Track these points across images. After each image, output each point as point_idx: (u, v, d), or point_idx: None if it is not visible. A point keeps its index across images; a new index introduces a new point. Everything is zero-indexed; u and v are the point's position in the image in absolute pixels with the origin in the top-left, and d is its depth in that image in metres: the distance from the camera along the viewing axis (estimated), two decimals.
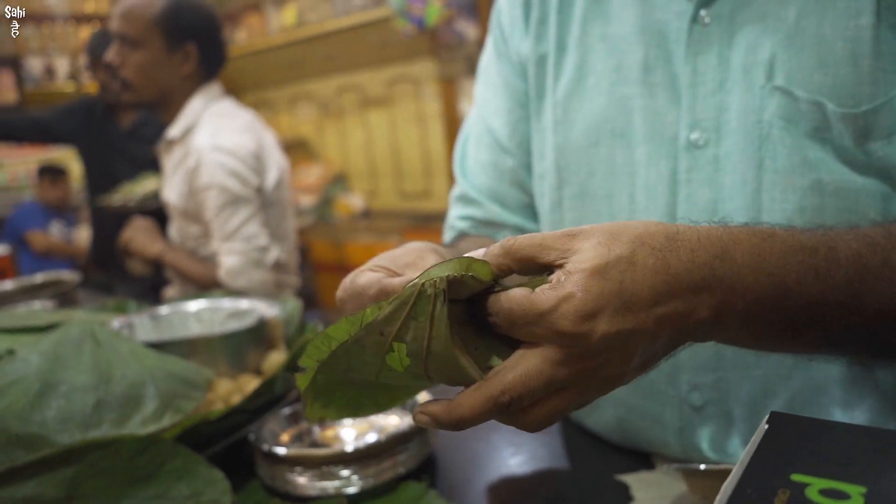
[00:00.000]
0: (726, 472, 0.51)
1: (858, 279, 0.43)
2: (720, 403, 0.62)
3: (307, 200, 4.72)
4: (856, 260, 0.44)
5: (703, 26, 0.59)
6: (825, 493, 0.25)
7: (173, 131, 1.60)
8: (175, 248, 1.66)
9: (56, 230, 3.61)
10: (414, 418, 0.43)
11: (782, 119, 0.56)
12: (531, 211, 0.76)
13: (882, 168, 0.53)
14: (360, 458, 0.65)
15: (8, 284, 1.30)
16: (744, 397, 0.61)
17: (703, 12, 0.59)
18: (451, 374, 0.42)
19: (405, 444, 0.67)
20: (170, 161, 1.64)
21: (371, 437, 0.69)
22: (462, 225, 0.78)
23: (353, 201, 4.68)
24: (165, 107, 1.61)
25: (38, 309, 1.05)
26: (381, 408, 0.54)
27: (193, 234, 1.63)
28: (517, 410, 0.39)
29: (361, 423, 0.74)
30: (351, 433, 0.73)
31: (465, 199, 0.79)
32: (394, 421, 0.73)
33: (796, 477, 0.26)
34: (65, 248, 3.55)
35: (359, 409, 0.52)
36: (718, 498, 0.27)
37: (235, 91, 5.40)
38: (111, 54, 1.54)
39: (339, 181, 4.86)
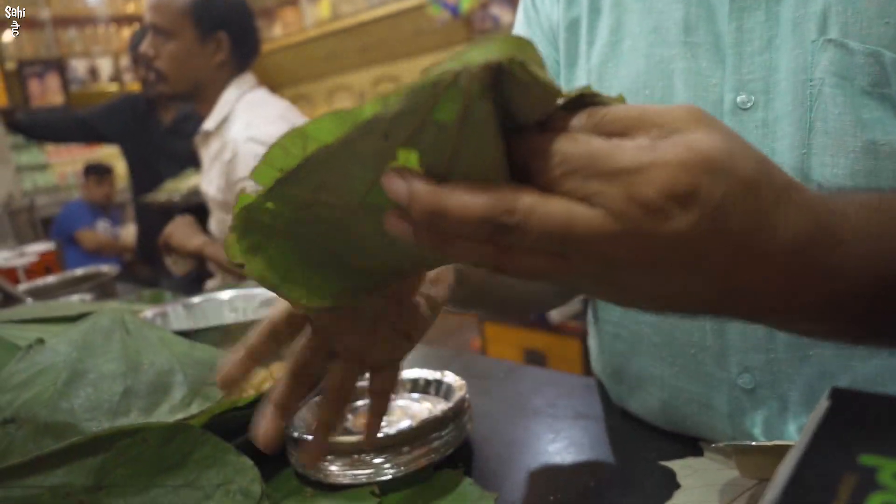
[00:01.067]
0: (780, 450, 0.47)
1: None
2: (773, 386, 0.58)
3: None
4: None
5: None
6: None
7: (208, 123, 1.60)
8: (215, 242, 1.67)
9: (102, 228, 3.70)
10: (383, 180, 0.31)
11: (835, 76, 0.51)
12: None
13: None
14: (393, 445, 0.63)
15: (50, 279, 1.32)
16: (799, 380, 0.56)
17: None
18: None
19: (440, 430, 0.64)
20: (207, 153, 1.65)
21: (404, 424, 0.67)
22: None
23: None
24: (200, 98, 1.62)
25: (76, 301, 1.06)
26: (332, 293, 0.40)
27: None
28: (508, 245, 0.31)
29: (395, 409, 0.73)
30: (385, 420, 0.71)
31: None
32: (427, 406, 0.71)
33: (865, 459, 0.23)
34: (113, 244, 3.64)
35: (301, 277, 0.38)
36: (773, 485, 0.24)
37: (273, 86, 5.43)
38: (145, 45, 1.56)
39: None
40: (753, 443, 0.48)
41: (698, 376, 0.61)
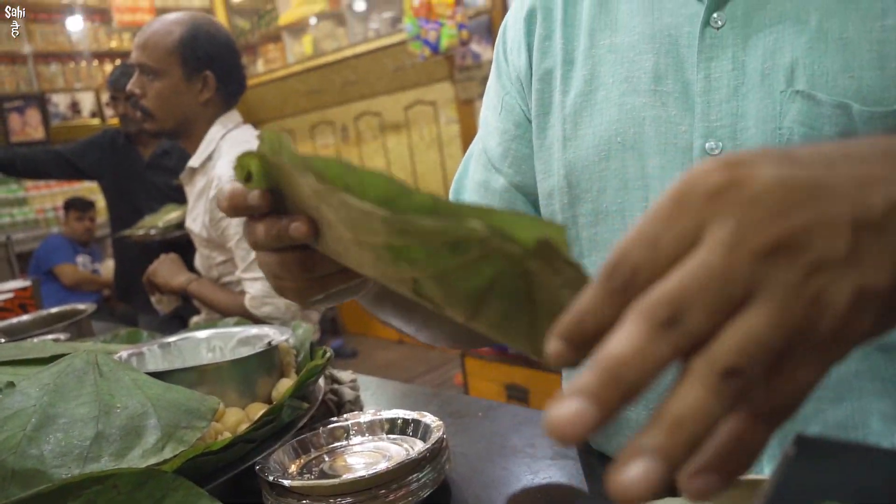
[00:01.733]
0: (754, 484, 0.48)
1: None
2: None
3: None
4: None
5: (715, 29, 0.57)
6: None
7: (194, 160, 1.61)
8: (200, 279, 1.66)
9: (82, 263, 3.66)
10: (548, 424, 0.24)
11: (804, 125, 0.53)
12: None
13: None
14: (370, 487, 0.62)
15: (24, 317, 1.30)
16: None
17: (715, 15, 0.57)
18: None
19: (417, 472, 0.64)
20: (192, 190, 1.65)
21: (381, 466, 0.66)
22: None
23: None
24: (186, 135, 1.62)
25: (51, 340, 1.04)
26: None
27: (217, 262, 1.63)
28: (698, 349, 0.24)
29: (373, 451, 0.72)
30: (362, 462, 0.70)
31: None
32: (405, 447, 0.71)
33: None
34: (93, 279, 3.60)
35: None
36: None
37: (256, 121, 5.47)
38: (132, 84, 1.56)
39: None
40: None
41: None
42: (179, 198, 2.45)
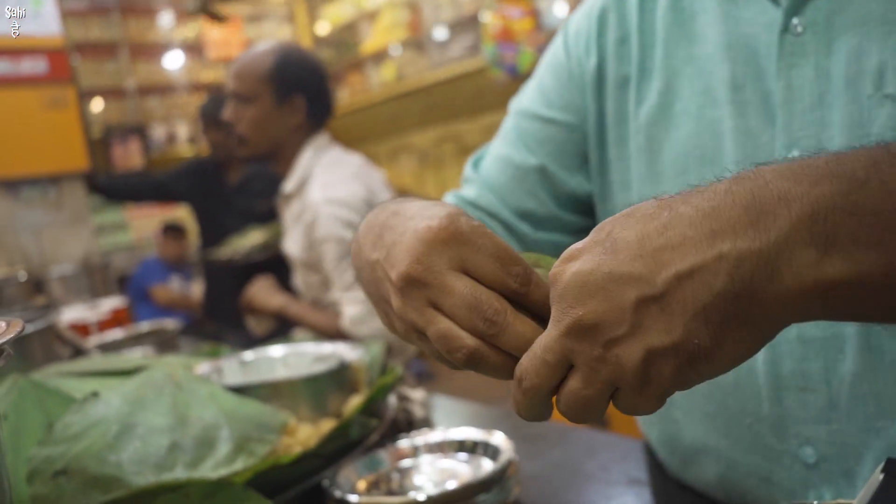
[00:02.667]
0: None
1: None
2: (839, 461, 0.53)
3: None
4: None
5: (795, 36, 0.53)
6: None
7: (288, 186, 1.65)
8: (297, 301, 1.70)
9: (175, 284, 3.84)
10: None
11: (894, 131, 0.49)
12: (530, 219, 0.69)
13: None
14: None
15: (118, 333, 1.37)
16: (868, 455, 0.52)
17: (794, 21, 0.53)
18: None
19: (484, 492, 0.62)
20: (289, 214, 1.70)
21: (449, 484, 0.65)
22: (450, 200, 0.72)
23: None
24: (278, 158, 1.68)
25: (139, 355, 1.09)
26: None
27: (315, 284, 1.67)
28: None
29: (441, 470, 0.71)
30: (429, 481, 0.69)
31: (465, 180, 0.74)
32: (473, 467, 0.69)
33: None
34: (184, 300, 3.76)
35: None
36: None
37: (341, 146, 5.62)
38: (227, 112, 1.63)
39: None
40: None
41: (756, 448, 0.57)
42: (264, 220, 2.54)
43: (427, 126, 4.86)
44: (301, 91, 1.62)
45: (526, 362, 0.37)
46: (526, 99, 0.73)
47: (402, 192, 5.15)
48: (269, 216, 2.56)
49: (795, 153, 0.53)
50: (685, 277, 0.33)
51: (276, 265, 2.61)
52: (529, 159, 0.69)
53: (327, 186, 1.56)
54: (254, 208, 2.55)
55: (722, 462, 0.60)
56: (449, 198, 0.73)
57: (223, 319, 2.74)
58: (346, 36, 5.40)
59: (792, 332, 0.54)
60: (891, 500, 0.23)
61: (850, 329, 0.52)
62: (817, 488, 0.54)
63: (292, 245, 1.67)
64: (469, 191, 0.72)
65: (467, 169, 0.74)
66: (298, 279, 1.74)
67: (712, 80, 0.59)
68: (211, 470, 0.61)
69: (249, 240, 2.24)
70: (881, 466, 0.25)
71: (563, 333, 0.35)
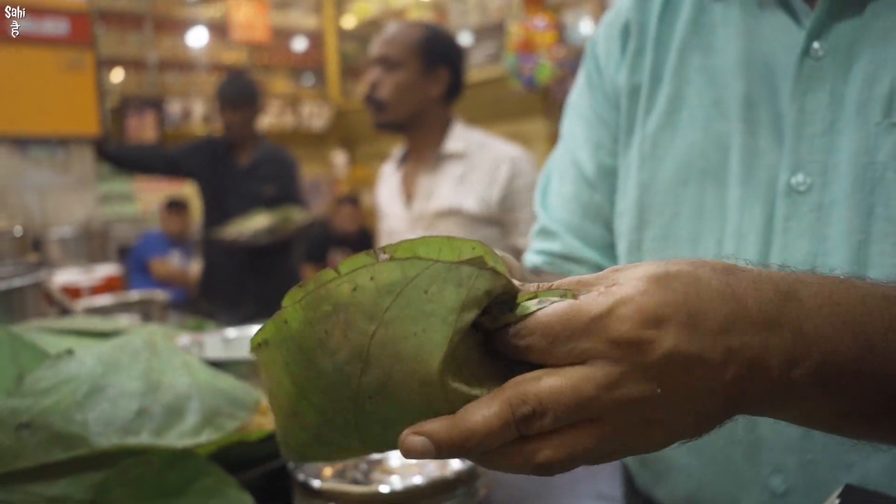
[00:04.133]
0: None
1: None
2: (808, 493, 0.53)
3: None
4: None
5: (815, 60, 0.53)
6: None
7: (455, 145, 1.71)
8: None
9: (175, 259, 3.84)
10: (401, 447, 0.32)
11: None
12: (614, 250, 0.69)
13: None
14: (401, 500, 0.60)
15: (107, 299, 1.37)
16: (837, 480, 0.51)
17: (816, 44, 0.53)
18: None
19: (450, 491, 0.62)
20: (449, 173, 1.71)
21: (416, 480, 0.64)
22: (537, 259, 0.72)
23: None
24: (412, 127, 1.72)
25: (124, 321, 1.08)
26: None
27: (489, 239, 1.69)
28: (533, 436, 0.32)
29: (410, 465, 0.70)
30: (397, 475, 0.68)
31: (544, 233, 0.73)
32: (442, 466, 0.68)
33: None
34: (181, 276, 3.76)
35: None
36: None
37: (353, 142, 5.64)
38: (370, 76, 1.67)
39: None
40: None
41: (727, 472, 0.57)
42: (270, 205, 2.54)
43: None
44: (446, 64, 1.68)
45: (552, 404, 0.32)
46: (572, 124, 0.73)
47: None
48: (276, 201, 2.56)
49: (800, 176, 0.53)
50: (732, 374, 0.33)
51: (279, 250, 2.61)
52: (595, 196, 0.69)
53: (513, 147, 1.72)
54: (261, 192, 2.55)
55: (692, 481, 0.59)
56: (535, 258, 0.72)
57: (218, 299, 2.74)
58: (371, 32, 5.40)
59: None
60: None
61: None
62: None
63: (466, 199, 1.68)
64: (553, 245, 0.71)
65: (540, 214, 0.74)
66: (454, 234, 1.74)
67: (725, 93, 0.58)
68: (176, 439, 0.60)
69: (255, 222, 2.24)
70: (838, 492, 0.24)
71: (614, 401, 0.32)
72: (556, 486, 0.71)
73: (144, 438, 0.60)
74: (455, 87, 1.73)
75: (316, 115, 5.42)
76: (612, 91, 0.68)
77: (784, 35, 0.56)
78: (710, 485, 0.58)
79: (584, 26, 3.70)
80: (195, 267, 3.78)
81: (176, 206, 3.90)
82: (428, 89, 1.68)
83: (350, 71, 5.51)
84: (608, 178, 0.68)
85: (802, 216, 0.53)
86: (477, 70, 4.40)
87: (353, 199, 3.94)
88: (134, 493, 0.55)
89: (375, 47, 1.69)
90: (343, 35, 5.61)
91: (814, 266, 0.52)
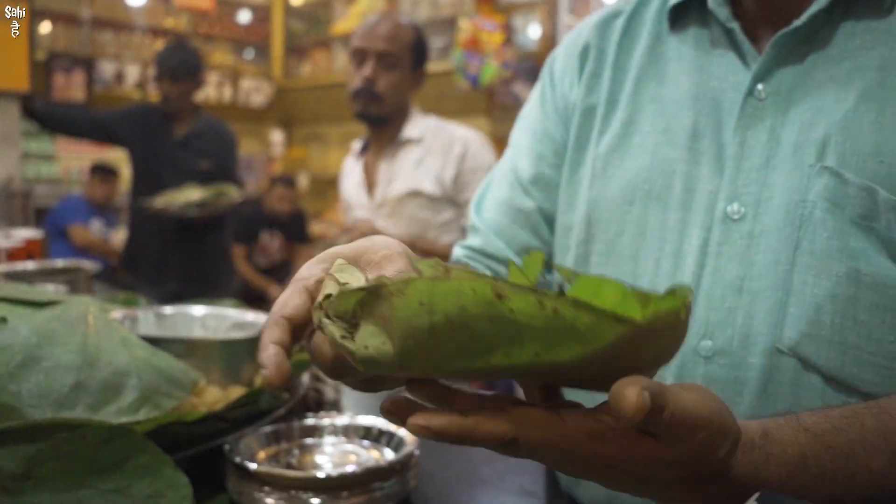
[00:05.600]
0: None
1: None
2: None
3: (343, 236, 4.76)
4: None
5: (758, 100, 0.58)
6: None
7: (413, 131, 1.78)
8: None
9: (96, 227, 3.69)
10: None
11: (828, 201, 0.53)
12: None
13: None
14: (333, 487, 0.62)
15: (29, 265, 1.31)
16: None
17: (760, 86, 0.58)
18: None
19: (382, 480, 0.64)
20: (407, 158, 1.78)
21: (348, 468, 0.66)
22: (459, 253, 0.76)
23: None
24: (392, 121, 1.78)
25: (51, 290, 1.05)
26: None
27: (440, 223, 1.75)
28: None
29: (342, 453, 0.72)
30: (329, 462, 0.70)
31: (472, 229, 0.77)
32: (375, 455, 0.70)
33: None
34: (101, 245, 3.62)
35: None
36: None
37: (292, 123, 5.54)
38: (368, 70, 1.70)
39: None
40: None
41: None
42: (203, 180, 2.48)
43: None
44: (424, 63, 1.79)
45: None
46: (519, 135, 0.77)
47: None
48: (211, 176, 2.50)
49: (735, 206, 0.57)
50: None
51: (210, 227, 2.55)
52: (527, 202, 0.73)
53: (467, 130, 1.81)
54: (195, 166, 2.49)
55: None
56: (458, 251, 0.76)
57: (141, 272, 2.66)
58: (318, 12, 5.33)
59: (699, 370, 0.58)
60: None
61: (752, 374, 0.56)
62: None
63: (424, 182, 1.74)
64: (475, 240, 0.75)
65: (472, 215, 0.78)
66: (412, 223, 1.77)
67: (674, 122, 0.62)
68: (113, 416, 0.60)
69: (186, 195, 2.18)
70: (754, 497, 0.28)
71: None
72: (482, 480, 0.74)
73: (80, 413, 0.59)
74: (420, 84, 1.83)
75: (255, 92, 5.30)
76: (563, 108, 0.72)
77: (732, 74, 0.60)
78: None
79: (533, 31, 3.76)
80: (118, 237, 3.65)
81: (102, 172, 3.75)
82: (413, 86, 1.79)
83: (295, 49, 5.41)
84: (544, 188, 0.72)
85: (735, 242, 0.57)
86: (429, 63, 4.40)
87: (288, 180, 3.87)
88: (67, 467, 0.54)
89: (371, 41, 1.72)
90: (290, 12, 5.51)
91: (740, 289, 0.57)
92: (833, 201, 0.53)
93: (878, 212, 0.51)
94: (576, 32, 0.73)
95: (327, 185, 5.06)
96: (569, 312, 0.29)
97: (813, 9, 0.55)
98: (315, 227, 4.51)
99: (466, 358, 0.31)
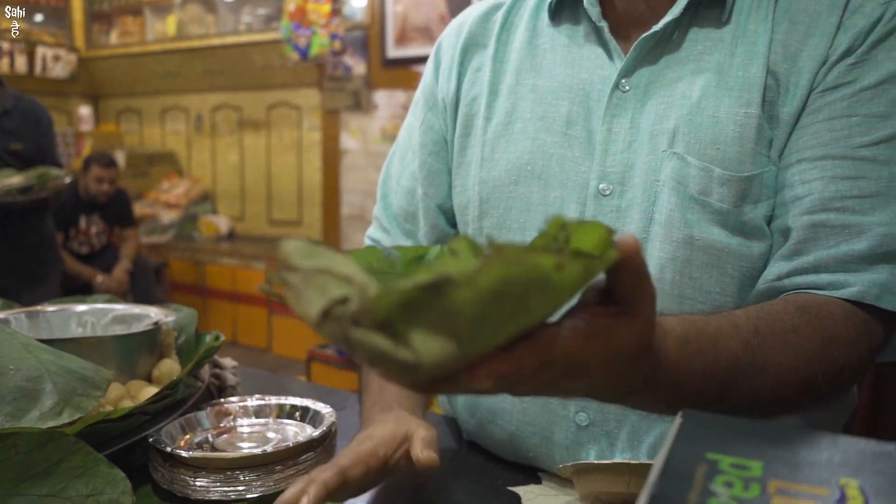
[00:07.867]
0: (615, 468, 0.58)
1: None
2: (604, 424, 0.69)
3: (169, 216, 4.52)
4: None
5: (622, 92, 0.68)
6: (734, 465, 0.32)
7: None
8: None
9: None
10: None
11: (674, 180, 0.65)
12: (438, 243, 0.81)
13: (748, 229, 0.63)
14: (265, 463, 0.65)
15: None
16: (626, 422, 0.68)
17: (623, 81, 0.68)
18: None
19: (310, 451, 0.68)
20: None
21: (275, 444, 0.69)
22: (369, 243, 0.85)
23: (219, 222, 4.54)
24: None
25: None
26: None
27: None
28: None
29: (258, 431, 0.75)
30: (248, 442, 0.73)
31: (378, 225, 0.85)
32: (294, 431, 0.75)
33: (710, 455, 0.33)
34: None
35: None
36: (650, 474, 0.33)
37: (100, 96, 5.11)
38: None
39: (206, 200, 4.69)
40: (595, 461, 0.59)
41: (543, 412, 0.71)
42: (17, 164, 2.26)
43: (205, 90, 4.62)
44: None
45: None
46: (412, 120, 0.84)
47: (166, 155, 4.82)
48: (27, 159, 2.28)
49: (604, 184, 0.67)
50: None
51: (33, 214, 2.33)
52: (418, 189, 0.81)
53: None
54: (6, 147, 2.26)
55: (514, 422, 0.73)
56: (367, 241, 0.85)
57: None
58: None
59: None
60: (688, 434, 0.35)
61: None
62: (586, 446, 0.69)
63: None
64: (382, 235, 0.84)
65: (378, 207, 0.85)
66: None
67: (550, 110, 0.71)
68: (36, 422, 0.59)
69: (4, 181, 1.98)
70: (679, 414, 0.37)
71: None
72: None
73: (2, 423, 0.58)
74: None
75: (55, 61, 4.81)
76: (441, 99, 0.80)
77: (600, 69, 0.70)
78: (528, 424, 0.72)
79: (359, 1, 3.76)
80: None
81: None
82: None
83: (99, 15, 4.97)
84: (429, 176, 0.80)
85: (605, 215, 0.68)
86: (247, 33, 4.25)
87: (107, 159, 3.56)
88: None
89: None
90: None
91: None
92: (678, 180, 0.65)
93: (713, 187, 0.64)
94: (458, 24, 0.80)
95: (146, 162, 4.75)
96: (587, 264, 0.33)
97: (668, 17, 0.66)
98: (139, 208, 4.24)
99: (509, 328, 0.32)
